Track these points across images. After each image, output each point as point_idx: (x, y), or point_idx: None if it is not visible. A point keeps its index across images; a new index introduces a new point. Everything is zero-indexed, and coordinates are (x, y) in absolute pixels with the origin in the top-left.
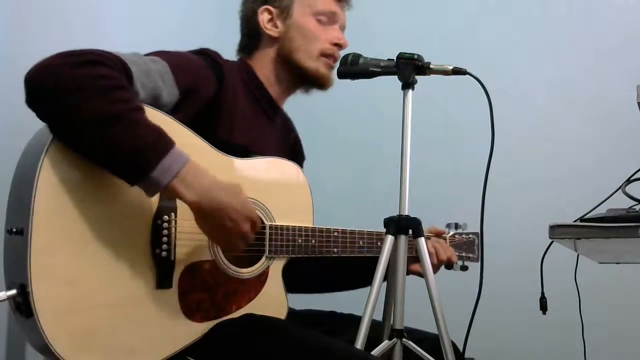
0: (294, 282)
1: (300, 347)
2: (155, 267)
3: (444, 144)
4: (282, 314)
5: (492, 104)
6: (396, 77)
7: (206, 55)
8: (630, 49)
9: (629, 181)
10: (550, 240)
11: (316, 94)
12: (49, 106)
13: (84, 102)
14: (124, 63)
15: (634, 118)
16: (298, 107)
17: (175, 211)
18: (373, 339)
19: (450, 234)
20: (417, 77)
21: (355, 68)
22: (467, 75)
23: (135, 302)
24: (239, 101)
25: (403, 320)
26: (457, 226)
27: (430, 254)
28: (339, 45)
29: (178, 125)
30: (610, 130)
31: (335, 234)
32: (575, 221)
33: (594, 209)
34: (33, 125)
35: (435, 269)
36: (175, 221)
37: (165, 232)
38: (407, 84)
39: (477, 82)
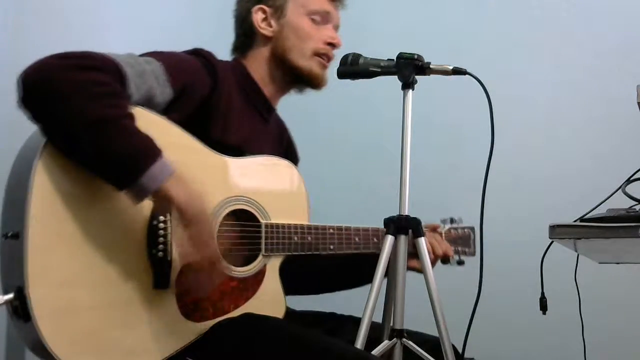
0: (291, 283)
1: (300, 347)
2: (151, 268)
3: (444, 144)
4: (280, 312)
5: (492, 104)
6: (396, 77)
7: (200, 56)
8: (630, 49)
9: (629, 181)
10: (550, 240)
11: (316, 94)
12: (41, 108)
13: (75, 106)
14: (118, 66)
15: (634, 118)
16: (298, 107)
17: (170, 212)
18: (373, 339)
19: (445, 229)
20: (417, 77)
21: (355, 68)
22: (467, 75)
23: (133, 303)
24: (233, 101)
25: (403, 320)
26: (452, 221)
27: None
28: (333, 45)
29: (171, 125)
30: (610, 130)
31: (331, 231)
32: (575, 221)
33: (594, 209)
34: (33, 125)
35: (432, 264)
36: (171, 221)
37: (161, 232)
38: (407, 84)
39: (477, 82)
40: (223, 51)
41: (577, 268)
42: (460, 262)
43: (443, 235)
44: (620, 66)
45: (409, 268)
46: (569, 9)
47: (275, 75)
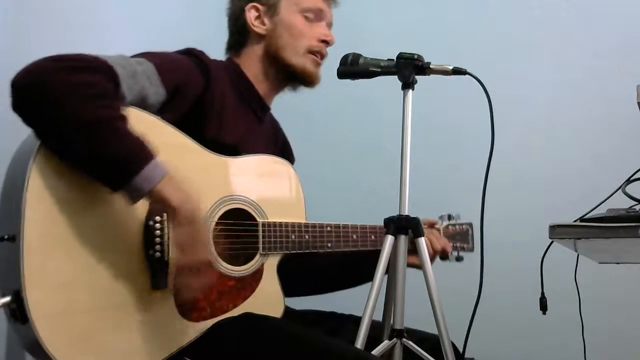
0: (290, 284)
1: (300, 347)
2: (149, 269)
3: (444, 144)
4: (279, 311)
5: (492, 104)
6: (396, 77)
7: (192, 55)
8: (630, 49)
9: (629, 181)
10: (550, 240)
11: (316, 95)
12: (34, 111)
13: (68, 108)
14: (110, 68)
15: (634, 118)
16: (298, 107)
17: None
18: (373, 339)
19: (443, 225)
20: (417, 77)
21: (355, 68)
22: (467, 75)
23: (131, 303)
24: (227, 100)
25: (403, 320)
26: (449, 217)
27: None
28: (326, 42)
29: (166, 125)
30: (610, 130)
31: (329, 228)
32: (575, 221)
33: (594, 209)
34: None
35: (430, 260)
36: (168, 221)
37: (157, 232)
38: (407, 84)
39: (477, 82)
40: (223, 51)
41: (577, 268)
42: (459, 258)
43: (441, 231)
44: (620, 66)
45: (409, 264)
46: (569, 9)
47: (269, 73)
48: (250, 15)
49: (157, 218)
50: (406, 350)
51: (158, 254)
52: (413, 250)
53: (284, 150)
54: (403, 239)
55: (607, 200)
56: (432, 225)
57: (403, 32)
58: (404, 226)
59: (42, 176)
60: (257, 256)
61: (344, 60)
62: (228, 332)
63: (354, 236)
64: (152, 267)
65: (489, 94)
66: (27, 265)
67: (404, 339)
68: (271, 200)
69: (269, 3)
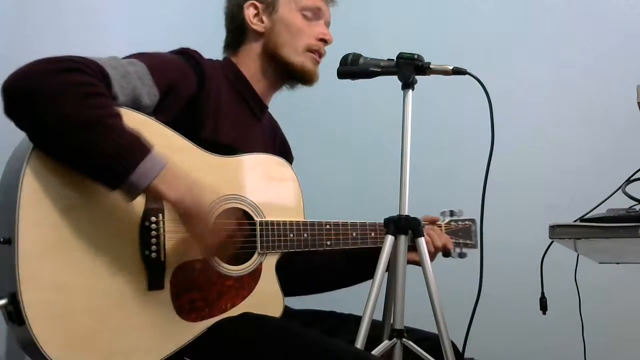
0: (289, 283)
1: (299, 347)
2: (145, 269)
3: (444, 144)
4: (278, 311)
5: (492, 104)
6: (396, 77)
7: (186, 55)
8: (630, 49)
9: (629, 181)
10: (550, 240)
11: (316, 95)
12: (27, 114)
13: (60, 109)
14: (101, 68)
15: (634, 118)
16: (298, 107)
17: (162, 212)
18: (373, 339)
19: (445, 222)
20: (417, 77)
21: (355, 68)
22: (467, 76)
23: (127, 304)
24: (223, 100)
25: (403, 320)
26: (452, 213)
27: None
28: (325, 41)
29: (160, 126)
30: (610, 130)
31: (327, 226)
32: (575, 221)
33: (594, 209)
34: None
35: (432, 256)
36: (164, 222)
37: (153, 233)
38: (407, 84)
39: (477, 82)
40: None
41: (577, 268)
42: (462, 255)
43: (443, 228)
44: (620, 66)
45: (409, 261)
46: (569, 9)
47: (267, 71)
48: (249, 12)
49: (153, 219)
50: (406, 349)
51: (154, 254)
52: (413, 246)
53: (282, 150)
54: (403, 239)
55: (607, 200)
56: (433, 222)
57: (403, 32)
58: (404, 226)
59: (36, 178)
60: (255, 255)
61: (344, 60)
62: (228, 332)
63: (354, 234)
64: (149, 268)
65: (489, 94)
66: (23, 267)
67: (404, 339)
68: (269, 199)
69: (268, 1)
